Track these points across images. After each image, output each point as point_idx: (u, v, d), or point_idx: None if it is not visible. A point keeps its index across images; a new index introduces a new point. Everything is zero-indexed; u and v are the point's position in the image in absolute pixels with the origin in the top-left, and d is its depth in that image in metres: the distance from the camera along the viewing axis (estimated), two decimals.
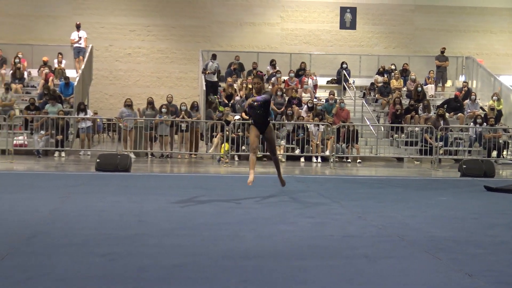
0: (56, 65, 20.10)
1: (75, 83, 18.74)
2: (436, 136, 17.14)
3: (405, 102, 19.81)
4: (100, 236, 6.60)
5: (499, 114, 19.26)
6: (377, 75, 21.93)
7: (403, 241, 6.72)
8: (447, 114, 18.74)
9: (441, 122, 17.90)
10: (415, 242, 6.58)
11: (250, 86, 19.42)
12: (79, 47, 20.24)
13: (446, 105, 19.58)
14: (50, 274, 4.96)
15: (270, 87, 20.23)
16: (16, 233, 6.64)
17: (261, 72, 20.23)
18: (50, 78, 19.03)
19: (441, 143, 17.55)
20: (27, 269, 5.10)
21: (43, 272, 5.00)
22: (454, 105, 19.68)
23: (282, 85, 20.53)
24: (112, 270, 5.18)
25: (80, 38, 20.26)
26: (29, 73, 20.81)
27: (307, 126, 17.78)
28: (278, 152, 14.88)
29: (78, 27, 20.54)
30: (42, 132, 16.65)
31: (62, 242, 6.21)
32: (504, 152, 18.27)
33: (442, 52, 22.15)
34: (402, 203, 9.74)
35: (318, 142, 17.68)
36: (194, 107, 18.50)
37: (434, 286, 4.80)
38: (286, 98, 19.60)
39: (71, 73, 19.72)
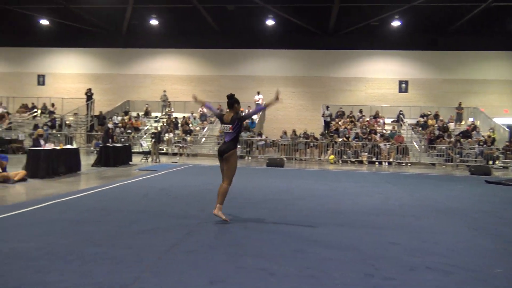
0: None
1: (257, 121, 22.87)
2: (455, 152, 19.43)
3: (437, 132, 21.55)
4: (267, 196, 8.39)
5: (493, 140, 20.37)
6: (420, 117, 23.87)
7: (433, 208, 7.40)
8: (462, 139, 20.53)
9: (458, 144, 19.95)
10: (441, 210, 7.27)
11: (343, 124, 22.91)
12: (259, 103, 22.97)
13: (461, 134, 21.32)
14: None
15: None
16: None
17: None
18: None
19: (458, 155, 19.58)
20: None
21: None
22: (466, 134, 21.37)
23: (366, 123, 22.78)
24: (277, 215, 7.54)
25: (260, 98, 23.63)
26: None
27: (379, 145, 20.12)
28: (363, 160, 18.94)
29: (258, 93, 24.08)
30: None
31: (250, 201, 8.63)
32: (497, 161, 19.54)
33: (460, 104, 23.89)
34: (434, 187, 10.61)
35: (386, 154, 19.97)
36: (320, 134, 21.69)
37: (450, 233, 5.47)
38: (368, 130, 21.74)
39: (254, 117, 22.47)
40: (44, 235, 4.85)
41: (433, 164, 19.86)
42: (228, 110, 6.08)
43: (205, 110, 24.43)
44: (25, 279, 3.43)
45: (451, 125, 23.08)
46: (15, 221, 5.57)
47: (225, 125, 5.94)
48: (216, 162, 7.11)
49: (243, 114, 6.84)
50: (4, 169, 9.55)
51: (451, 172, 16.80)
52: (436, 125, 22.78)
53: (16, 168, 10.65)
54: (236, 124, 5.86)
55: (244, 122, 20.78)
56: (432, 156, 20.35)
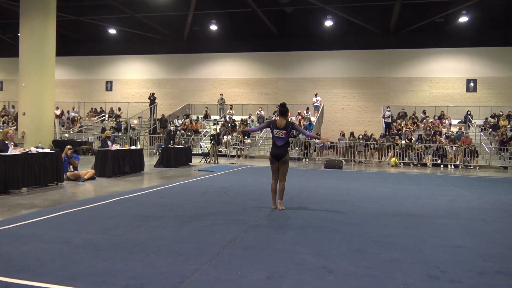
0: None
1: (315, 123, 22.29)
2: None
3: (509, 134, 20.18)
4: (326, 197, 8.38)
5: None
6: (490, 118, 22.81)
7: (507, 212, 7.11)
8: None
9: None
10: None
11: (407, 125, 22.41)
12: (317, 105, 23.73)
13: None
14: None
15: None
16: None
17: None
18: (301, 121, 21.95)
19: None
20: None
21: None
22: None
23: (430, 125, 21.81)
24: (337, 216, 6.79)
25: (317, 100, 23.72)
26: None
27: (445, 147, 19.11)
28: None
29: (316, 95, 24.03)
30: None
31: (309, 201, 8.17)
32: None
33: None
34: (507, 192, 10.07)
35: (451, 156, 19.03)
36: (380, 136, 21.13)
37: None
38: (432, 132, 20.73)
39: (312, 119, 22.92)
40: (111, 228, 5.13)
41: (505, 168, 18.92)
42: (279, 117, 6.60)
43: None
44: (94, 268, 3.65)
45: None
46: (85, 215, 5.94)
47: (278, 130, 6.47)
48: None
49: (295, 124, 7.03)
50: (75, 168, 10.22)
51: None
52: (508, 126, 21.70)
53: (86, 167, 11.37)
54: (290, 130, 6.45)
55: (302, 125, 21.03)
56: (504, 159, 19.24)
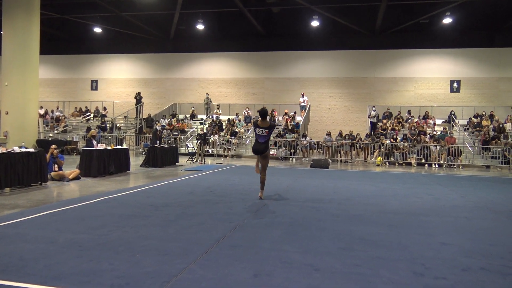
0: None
1: (301, 123, 22.45)
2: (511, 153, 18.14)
3: (492, 133, 20.44)
4: (313, 196, 8.47)
5: None
6: (473, 118, 22.94)
7: (490, 210, 7.15)
8: None
9: None
10: (498, 211, 7.03)
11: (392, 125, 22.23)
12: (304, 105, 23.71)
13: None
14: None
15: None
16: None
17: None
18: (288, 121, 22.43)
19: None
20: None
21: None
22: None
23: (415, 124, 22.02)
24: (324, 214, 6.92)
25: (304, 100, 23.66)
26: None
27: (429, 147, 19.24)
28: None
29: (302, 95, 23.98)
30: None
31: (296, 200, 8.89)
32: None
33: None
34: (490, 190, 10.18)
35: (436, 155, 19.13)
36: (366, 136, 21.14)
37: (511, 235, 5.29)
38: (417, 131, 20.94)
39: (298, 118, 23.45)
40: (97, 228, 5.07)
41: (488, 167, 19.14)
42: (260, 119, 7.50)
43: (249, 112, 24.78)
44: (79, 267, 3.60)
45: (508, 126, 21.95)
46: (69, 215, 5.86)
47: (261, 129, 7.39)
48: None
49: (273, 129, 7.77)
50: (60, 168, 10.08)
51: (507, 175, 16.09)
52: (491, 125, 22.01)
53: (70, 167, 11.28)
54: (271, 131, 7.43)
55: (289, 125, 21.10)
56: (487, 158, 19.51)
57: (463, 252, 4.47)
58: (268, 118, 7.68)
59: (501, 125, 21.47)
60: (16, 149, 8.57)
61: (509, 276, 3.74)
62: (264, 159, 7.68)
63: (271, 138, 19.35)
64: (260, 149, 7.51)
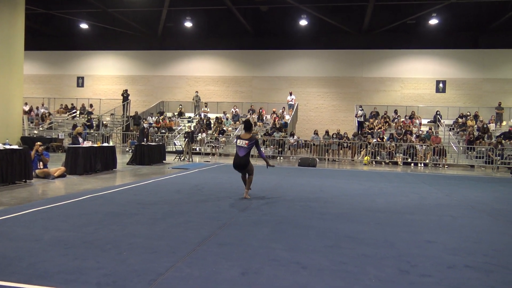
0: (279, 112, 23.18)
1: (289, 122, 22.52)
2: (496, 153, 18.62)
3: (476, 133, 20.80)
4: (300, 194, 8.50)
5: None
6: (458, 118, 23.17)
7: (474, 208, 7.28)
8: (503, 141, 19.63)
9: (499, 146, 19.10)
10: (482, 210, 7.12)
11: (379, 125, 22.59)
12: (292, 104, 24.01)
13: (502, 136, 20.41)
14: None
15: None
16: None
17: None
18: (276, 120, 22.65)
19: (499, 157, 18.73)
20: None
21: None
22: (508, 135, 20.57)
23: (401, 124, 22.38)
24: (311, 212, 6.84)
25: (292, 99, 23.86)
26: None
27: (415, 146, 19.53)
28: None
29: (290, 93, 24.26)
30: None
31: (284, 198, 8.85)
32: None
33: (499, 105, 23.09)
34: (474, 189, 10.37)
35: (421, 155, 19.36)
36: (353, 135, 20.96)
37: (494, 232, 5.36)
38: (403, 131, 21.21)
39: (286, 117, 23.27)
40: (82, 225, 5.01)
41: (472, 166, 19.45)
42: (243, 131, 7.32)
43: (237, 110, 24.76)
44: (64, 266, 3.55)
45: (492, 126, 22.44)
46: (55, 213, 5.78)
47: (241, 140, 7.13)
48: None
49: (258, 142, 7.48)
50: (45, 166, 9.94)
51: (491, 174, 16.37)
52: (475, 125, 22.31)
53: (56, 165, 11.10)
54: (251, 144, 7.08)
55: (277, 123, 21.09)
56: (471, 158, 19.79)
57: (448, 250, 4.51)
58: (251, 132, 7.41)
59: (485, 126, 21.78)
60: (0, 146, 8.42)
61: (493, 273, 3.79)
62: (247, 171, 7.39)
63: (259, 136, 19.61)
64: (241, 163, 7.21)
